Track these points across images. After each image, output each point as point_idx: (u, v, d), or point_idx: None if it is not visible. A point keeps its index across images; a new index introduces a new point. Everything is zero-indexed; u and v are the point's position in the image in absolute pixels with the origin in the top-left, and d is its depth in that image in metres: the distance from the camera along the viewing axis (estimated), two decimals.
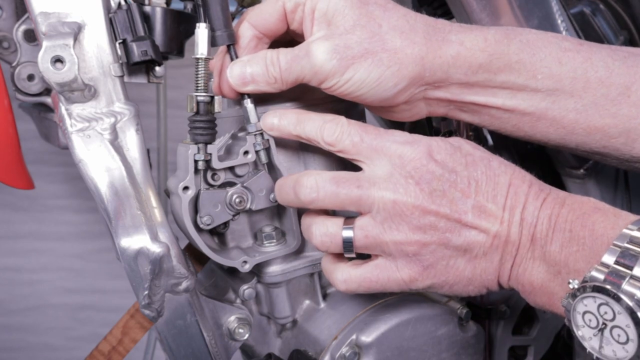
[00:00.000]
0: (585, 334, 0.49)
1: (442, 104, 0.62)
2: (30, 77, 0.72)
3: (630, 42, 0.92)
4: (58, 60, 0.54)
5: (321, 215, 0.60)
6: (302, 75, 0.58)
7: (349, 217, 0.58)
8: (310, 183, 0.56)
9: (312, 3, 0.58)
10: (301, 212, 0.64)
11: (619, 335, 0.46)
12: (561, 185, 0.82)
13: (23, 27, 0.71)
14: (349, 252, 0.57)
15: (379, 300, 0.70)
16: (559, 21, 0.69)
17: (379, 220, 0.55)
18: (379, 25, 0.56)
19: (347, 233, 0.56)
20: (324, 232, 0.58)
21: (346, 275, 0.59)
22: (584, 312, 0.48)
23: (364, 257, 0.59)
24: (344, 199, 0.55)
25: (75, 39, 0.56)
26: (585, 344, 0.49)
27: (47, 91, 0.73)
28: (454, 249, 0.55)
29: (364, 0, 0.57)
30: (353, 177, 0.56)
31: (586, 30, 0.85)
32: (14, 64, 0.72)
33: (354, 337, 0.66)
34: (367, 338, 0.66)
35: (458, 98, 0.60)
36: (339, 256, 0.61)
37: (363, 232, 0.56)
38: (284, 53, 0.58)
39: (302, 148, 0.67)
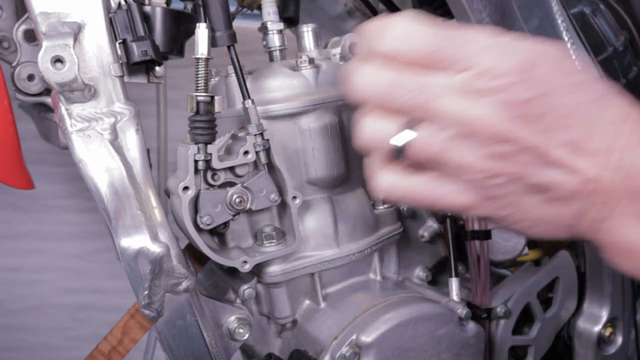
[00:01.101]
0: None
1: None
2: (30, 77, 0.72)
3: (631, 42, 0.92)
4: (58, 60, 0.54)
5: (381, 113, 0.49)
6: None
7: (412, 120, 0.48)
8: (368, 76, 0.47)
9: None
10: (301, 211, 0.64)
11: None
12: None
13: (23, 27, 0.71)
14: (401, 158, 0.48)
15: (379, 300, 0.70)
16: (559, 21, 0.69)
17: (448, 134, 0.46)
18: None
19: (406, 136, 0.47)
20: (379, 127, 0.48)
21: (393, 181, 0.50)
22: None
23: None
24: (401, 99, 0.46)
25: (75, 39, 0.56)
26: None
27: (47, 91, 0.73)
28: (529, 186, 0.46)
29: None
30: (412, 67, 0.47)
31: (586, 31, 0.85)
32: (14, 64, 0.72)
33: (354, 337, 0.66)
34: (367, 338, 0.66)
35: None
36: (388, 161, 0.51)
37: (425, 141, 0.46)
38: None
39: (302, 148, 0.67)
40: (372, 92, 0.47)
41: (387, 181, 0.50)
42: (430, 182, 0.49)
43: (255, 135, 0.62)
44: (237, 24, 0.70)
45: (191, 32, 0.61)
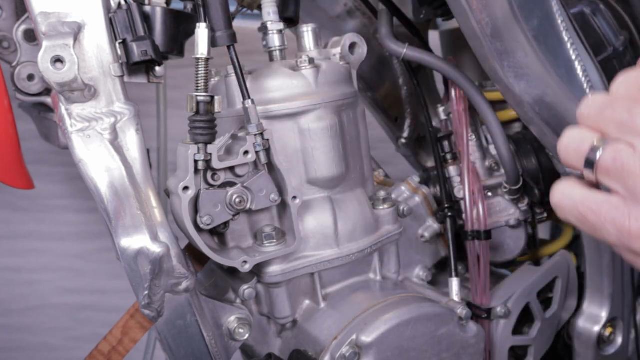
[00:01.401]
0: None
1: None
2: (30, 77, 0.72)
3: (631, 42, 0.92)
4: (58, 60, 0.54)
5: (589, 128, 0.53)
6: None
7: (614, 137, 0.51)
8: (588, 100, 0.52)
9: None
10: (301, 211, 0.64)
11: None
12: None
13: (23, 27, 0.71)
14: (589, 168, 0.50)
15: (379, 300, 0.70)
16: (559, 21, 0.69)
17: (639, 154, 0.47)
18: None
19: (596, 151, 0.49)
20: (575, 137, 0.51)
21: (569, 190, 0.52)
22: None
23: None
24: (607, 117, 0.49)
25: (75, 39, 0.56)
26: None
27: (47, 91, 0.73)
28: None
29: None
30: (629, 98, 0.49)
31: (586, 30, 0.85)
32: (14, 64, 0.72)
33: (354, 337, 0.66)
34: (367, 338, 0.66)
35: None
36: (577, 177, 0.54)
37: (613, 154, 0.48)
38: None
39: (302, 148, 0.67)
40: (588, 110, 0.51)
41: (563, 190, 0.52)
42: (607, 200, 0.49)
43: (255, 135, 0.62)
44: (237, 24, 0.70)
45: (191, 32, 0.61)
